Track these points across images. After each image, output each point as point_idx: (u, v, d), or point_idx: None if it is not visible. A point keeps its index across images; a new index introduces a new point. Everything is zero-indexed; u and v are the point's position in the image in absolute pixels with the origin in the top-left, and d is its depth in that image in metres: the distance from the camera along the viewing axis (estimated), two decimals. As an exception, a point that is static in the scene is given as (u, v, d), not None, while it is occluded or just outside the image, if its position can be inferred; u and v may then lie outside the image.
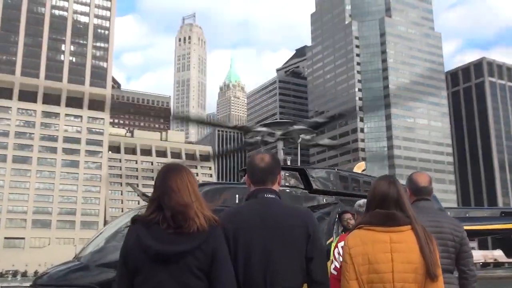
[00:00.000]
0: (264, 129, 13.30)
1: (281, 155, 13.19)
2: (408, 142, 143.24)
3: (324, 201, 10.43)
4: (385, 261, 2.44)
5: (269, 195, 2.68)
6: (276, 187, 2.76)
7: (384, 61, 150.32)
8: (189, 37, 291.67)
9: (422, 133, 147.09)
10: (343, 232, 6.71)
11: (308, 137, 13.87)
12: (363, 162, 16.64)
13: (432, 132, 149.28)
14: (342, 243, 4.42)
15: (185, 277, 2.21)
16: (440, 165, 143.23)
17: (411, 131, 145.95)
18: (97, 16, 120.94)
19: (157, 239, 2.22)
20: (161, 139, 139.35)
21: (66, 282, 6.81)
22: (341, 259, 4.21)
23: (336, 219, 8.10)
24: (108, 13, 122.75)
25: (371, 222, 2.56)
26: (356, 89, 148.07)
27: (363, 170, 15.03)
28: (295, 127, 13.65)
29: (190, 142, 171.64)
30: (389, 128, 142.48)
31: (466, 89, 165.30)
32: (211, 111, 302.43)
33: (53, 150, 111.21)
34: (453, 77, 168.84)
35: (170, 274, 2.22)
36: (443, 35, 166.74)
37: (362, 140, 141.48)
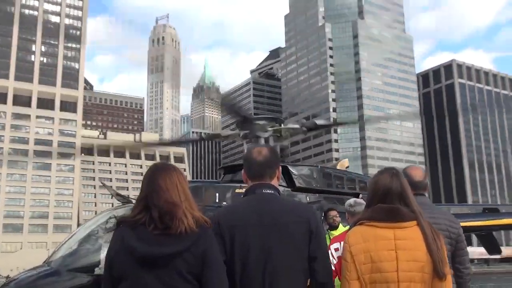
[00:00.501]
0: (261, 121, 12.58)
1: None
2: (380, 142, 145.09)
3: (308, 199, 10.20)
4: (389, 259, 2.26)
5: (268, 191, 2.54)
6: (275, 182, 2.61)
7: (357, 62, 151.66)
8: (163, 38, 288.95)
9: (394, 133, 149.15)
10: (328, 231, 6.53)
11: (290, 126, 13.60)
12: (347, 160, 15.88)
13: (404, 133, 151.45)
14: (334, 245, 4.45)
15: (174, 281, 2.06)
16: (412, 164, 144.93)
17: (384, 132, 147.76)
18: (68, 16, 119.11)
19: (144, 241, 2.07)
20: (134, 141, 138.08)
21: None
22: (334, 261, 4.20)
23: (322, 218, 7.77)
24: (80, 13, 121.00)
25: (373, 218, 2.38)
26: (330, 90, 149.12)
27: (347, 167, 14.68)
28: (288, 126, 13.48)
29: (164, 143, 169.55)
30: (362, 128, 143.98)
31: (437, 90, 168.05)
32: (185, 113, 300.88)
33: (24, 152, 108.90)
34: (424, 78, 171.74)
35: (157, 278, 2.06)
36: (414, 38, 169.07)
37: (336, 141, 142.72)
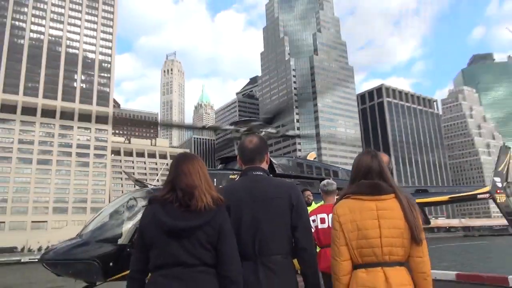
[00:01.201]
0: (231, 127, 11.96)
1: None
2: (331, 144, 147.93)
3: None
4: (373, 227, 2.04)
5: (257, 172, 2.32)
6: (264, 165, 2.39)
7: (313, 86, 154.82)
8: (171, 69, 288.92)
9: (341, 138, 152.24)
10: None
11: (269, 130, 12.50)
12: (314, 152, 15.35)
13: (348, 137, 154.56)
14: (311, 217, 4.09)
15: (196, 249, 1.91)
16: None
17: (333, 136, 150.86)
18: (101, 53, 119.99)
19: (171, 216, 1.92)
20: (151, 145, 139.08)
21: (69, 256, 6.20)
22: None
23: None
24: (110, 51, 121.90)
25: (358, 192, 2.14)
26: (294, 107, 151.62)
27: (314, 159, 14.48)
28: (254, 123, 12.55)
29: (173, 147, 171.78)
30: (318, 134, 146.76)
31: (371, 106, 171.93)
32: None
33: (69, 154, 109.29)
34: (362, 97, 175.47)
35: (182, 247, 1.90)
36: (355, 69, 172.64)
37: (299, 143, 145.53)
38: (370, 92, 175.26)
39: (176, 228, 1.90)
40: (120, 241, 6.41)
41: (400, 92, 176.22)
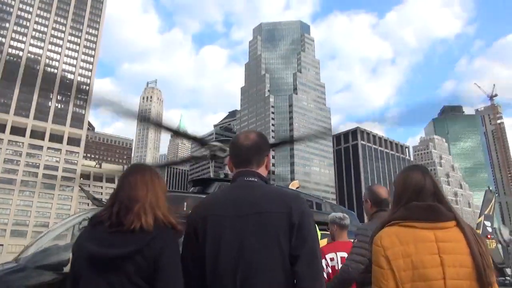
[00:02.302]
0: (218, 143, 10.96)
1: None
2: (305, 183, 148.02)
3: None
4: (434, 265, 1.50)
5: (250, 178, 1.72)
6: (262, 171, 1.81)
7: (291, 124, 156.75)
8: (151, 97, 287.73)
9: (315, 177, 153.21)
10: None
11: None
12: (297, 181, 13.23)
13: (322, 177, 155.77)
14: (330, 255, 3.46)
15: (123, 285, 1.44)
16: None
17: (308, 175, 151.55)
18: (80, 75, 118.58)
19: (95, 240, 1.52)
20: (122, 170, 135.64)
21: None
22: (328, 270, 3.32)
23: None
24: (89, 73, 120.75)
25: (409, 217, 1.61)
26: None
27: (297, 188, 12.44)
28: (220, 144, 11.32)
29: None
30: (292, 172, 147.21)
31: (346, 148, 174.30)
32: (163, 153, 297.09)
33: (35, 174, 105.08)
34: (337, 139, 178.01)
35: (106, 281, 1.46)
36: (332, 111, 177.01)
37: (273, 180, 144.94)
38: (346, 134, 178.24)
39: (98, 257, 1.49)
40: (65, 269, 5.20)
41: (374, 136, 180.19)
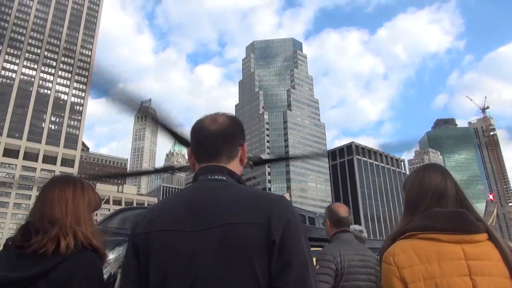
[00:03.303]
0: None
1: None
2: (301, 199, 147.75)
3: None
4: None
5: (216, 176, 1.22)
6: (235, 166, 1.29)
7: (286, 140, 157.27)
8: (145, 116, 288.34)
9: (311, 193, 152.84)
10: None
11: None
12: (288, 194, 12.33)
13: (319, 193, 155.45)
14: None
15: None
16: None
17: (304, 191, 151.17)
18: (74, 95, 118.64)
19: (4, 263, 1.29)
20: (117, 191, 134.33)
21: None
22: None
23: None
24: (83, 94, 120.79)
25: (431, 227, 1.25)
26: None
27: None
28: None
29: (141, 194, 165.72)
30: (288, 188, 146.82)
31: (341, 163, 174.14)
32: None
33: (28, 197, 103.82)
34: (333, 154, 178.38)
35: None
36: (327, 126, 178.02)
37: (269, 181, 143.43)
38: (341, 149, 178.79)
39: (4, 282, 1.25)
40: None
41: (369, 150, 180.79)
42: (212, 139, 1.26)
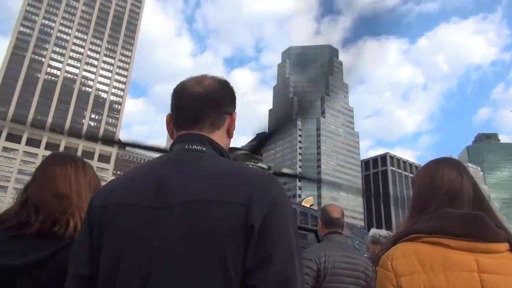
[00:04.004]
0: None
1: None
2: (333, 201, 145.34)
3: None
4: None
5: (194, 146, 1.01)
6: (220, 137, 1.07)
7: (318, 147, 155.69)
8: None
9: (343, 202, 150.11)
10: None
11: (259, 165, 9.62)
12: (311, 197, 12.29)
13: (350, 202, 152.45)
14: None
15: None
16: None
17: (335, 200, 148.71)
18: (113, 94, 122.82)
19: None
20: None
21: None
22: None
23: None
24: (122, 93, 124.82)
25: (440, 230, 1.04)
26: (298, 166, 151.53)
27: (311, 205, 11.17)
28: (239, 152, 10.32)
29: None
30: (319, 196, 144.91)
31: (375, 174, 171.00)
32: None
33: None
34: (366, 164, 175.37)
35: None
36: (361, 135, 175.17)
37: (300, 188, 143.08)
38: (375, 160, 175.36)
39: None
40: None
41: (404, 162, 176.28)
42: (195, 103, 1.05)
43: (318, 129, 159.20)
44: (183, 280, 0.80)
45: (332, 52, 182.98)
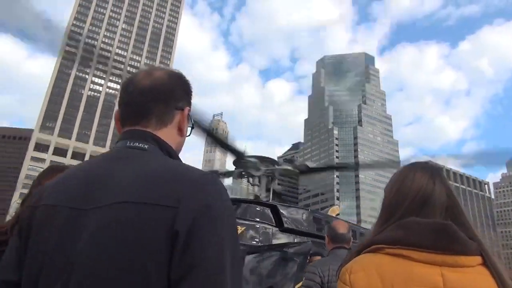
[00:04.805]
0: (254, 159, 9.20)
1: (264, 190, 9.50)
2: (372, 218, 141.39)
3: (295, 240, 6.88)
4: None
5: (136, 143, 0.92)
6: (168, 134, 0.98)
7: (356, 157, 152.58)
8: (216, 128, 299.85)
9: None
10: None
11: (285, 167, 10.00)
12: (337, 206, 11.93)
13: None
14: None
15: None
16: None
17: (375, 211, 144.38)
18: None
19: None
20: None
21: None
22: None
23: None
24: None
25: (404, 240, 0.95)
26: (335, 175, 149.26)
27: (337, 215, 10.62)
28: (280, 167, 9.91)
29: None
30: (358, 206, 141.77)
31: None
32: (229, 182, 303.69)
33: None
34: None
35: None
36: (401, 144, 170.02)
37: (337, 198, 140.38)
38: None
39: None
40: None
41: (448, 171, 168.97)
42: (140, 97, 0.97)
43: (355, 138, 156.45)
44: (104, 280, 0.73)
45: (368, 59, 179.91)
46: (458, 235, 0.93)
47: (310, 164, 11.99)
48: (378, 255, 0.96)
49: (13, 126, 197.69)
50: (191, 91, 1.06)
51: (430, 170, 1.08)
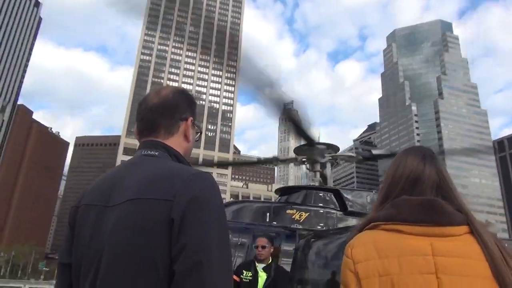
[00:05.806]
0: (322, 146, 9.54)
1: (328, 176, 9.72)
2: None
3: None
4: None
5: (149, 152, 1.16)
6: (176, 142, 1.20)
7: (439, 132, 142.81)
8: (288, 118, 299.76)
9: (474, 190, 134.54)
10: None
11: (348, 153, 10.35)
12: None
13: (484, 189, 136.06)
14: None
15: None
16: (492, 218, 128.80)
17: (465, 188, 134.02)
18: (224, 104, 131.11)
19: None
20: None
21: None
22: None
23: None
24: (232, 102, 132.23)
25: (395, 217, 1.07)
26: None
27: None
28: (345, 153, 10.38)
29: (270, 191, 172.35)
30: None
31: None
32: (305, 170, 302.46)
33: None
34: (500, 145, 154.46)
35: None
36: (490, 113, 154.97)
37: None
38: (510, 138, 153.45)
39: None
40: None
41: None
42: (150, 113, 1.21)
43: (436, 112, 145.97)
44: (121, 268, 0.97)
45: (444, 26, 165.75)
46: (444, 208, 1.03)
47: (374, 151, 12.11)
48: (376, 231, 1.08)
49: (104, 134, 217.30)
50: (193, 103, 1.29)
51: (421, 154, 1.18)
